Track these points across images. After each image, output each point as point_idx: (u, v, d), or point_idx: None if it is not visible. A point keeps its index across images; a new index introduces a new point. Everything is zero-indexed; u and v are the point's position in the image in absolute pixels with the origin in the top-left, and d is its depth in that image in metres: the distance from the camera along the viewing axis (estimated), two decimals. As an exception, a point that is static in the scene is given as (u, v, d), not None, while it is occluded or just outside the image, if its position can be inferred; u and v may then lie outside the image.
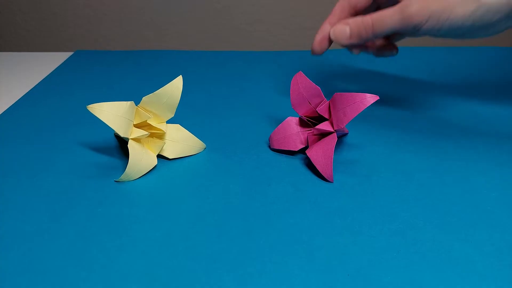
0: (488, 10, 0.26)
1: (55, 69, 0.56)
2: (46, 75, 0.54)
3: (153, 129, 0.34)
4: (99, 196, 0.31)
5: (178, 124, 0.36)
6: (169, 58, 0.59)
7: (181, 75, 0.34)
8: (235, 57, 0.59)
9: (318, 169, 0.32)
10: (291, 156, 0.35)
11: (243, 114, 0.43)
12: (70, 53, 0.62)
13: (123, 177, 0.32)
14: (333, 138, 0.31)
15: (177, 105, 0.34)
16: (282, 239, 0.27)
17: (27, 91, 0.49)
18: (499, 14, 0.26)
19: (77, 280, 0.24)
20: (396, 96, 0.46)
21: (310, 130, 0.34)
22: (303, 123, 0.35)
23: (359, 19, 0.31)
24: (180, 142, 0.35)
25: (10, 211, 0.29)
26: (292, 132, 0.35)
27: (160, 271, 0.24)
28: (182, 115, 0.41)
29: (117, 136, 0.38)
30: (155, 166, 0.34)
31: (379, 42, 0.38)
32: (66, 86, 0.50)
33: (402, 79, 0.51)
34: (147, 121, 0.33)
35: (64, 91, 0.49)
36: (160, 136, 0.35)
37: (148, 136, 0.34)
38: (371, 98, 0.29)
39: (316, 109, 0.33)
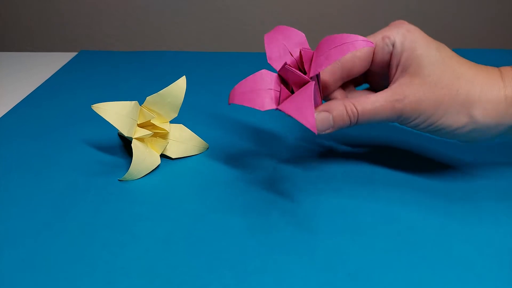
0: (477, 128, 0.26)
1: (60, 69, 0.56)
2: (51, 75, 0.54)
3: (156, 128, 0.34)
4: (103, 194, 0.31)
5: (182, 124, 0.36)
6: (173, 58, 0.60)
7: (184, 76, 0.34)
8: (239, 58, 0.60)
9: (294, 117, 0.25)
10: (291, 156, 0.35)
11: (246, 115, 0.43)
12: (75, 53, 0.63)
13: (126, 176, 0.32)
14: (310, 83, 0.25)
15: (180, 105, 0.34)
16: (283, 238, 0.27)
17: (32, 90, 0.49)
18: (485, 136, 0.27)
19: (81, 275, 0.24)
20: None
21: (282, 88, 0.27)
22: (278, 80, 0.27)
23: (343, 108, 0.27)
24: (183, 142, 0.36)
25: (15, 208, 0.30)
26: (262, 87, 0.27)
27: (162, 267, 0.25)
28: (186, 115, 0.42)
29: (121, 136, 0.39)
30: (158, 165, 0.34)
31: None
32: (71, 86, 0.50)
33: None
34: (151, 121, 0.34)
35: (68, 91, 0.49)
36: (164, 135, 0.35)
37: (152, 136, 0.34)
38: (363, 42, 0.24)
39: (300, 49, 0.27)
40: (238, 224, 0.28)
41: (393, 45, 0.27)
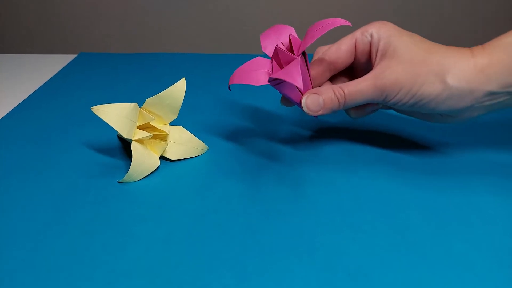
0: (452, 94, 0.28)
1: (60, 71, 0.56)
2: (50, 77, 0.54)
3: (156, 130, 0.34)
4: (103, 196, 0.31)
5: (181, 126, 0.36)
6: (172, 60, 0.60)
7: (184, 78, 0.34)
8: (238, 60, 0.60)
9: (284, 78, 0.27)
10: (291, 158, 0.36)
11: (245, 116, 0.43)
12: (74, 55, 0.63)
13: (126, 178, 0.32)
14: (297, 59, 0.28)
15: (180, 107, 0.34)
16: (283, 238, 0.27)
17: (32, 92, 0.49)
18: (462, 103, 0.28)
19: (81, 277, 0.24)
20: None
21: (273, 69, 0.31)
22: (272, 65, 0.31)
23: (331, 91, 0.30)
24: (183, 143, 0.36)
25: (15, 209, 0.30)
26: (257, 69, 0.31)
27: (162, 268, 0.25)
28: (185, 117, 0.42)
29: (120, 138, 0.39)
30: (158, 167, 0.34)
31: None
32: (70, 88, 0.51)
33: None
34: (150, 123, 0.34)
35: (68, 93, 0.49)
36: (163, 137, 0.35)
37: (151, 138, 0.34)
38: (341, 21, 0.28)
39: (289, 35, 0.30)
40: (237, 225, 0.28)
41: (371, 36, 0.31)
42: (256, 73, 0.30)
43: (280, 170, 0.34)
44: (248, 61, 0.31)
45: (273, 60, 0.31)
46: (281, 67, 0.30)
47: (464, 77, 0.27)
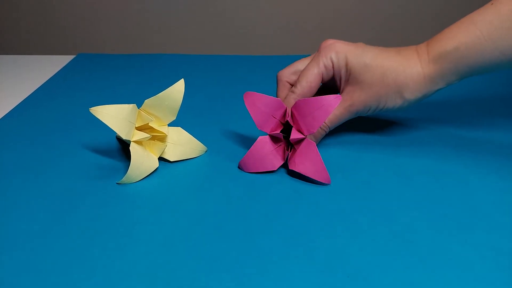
0: (410, 103, 0.34)
1: (58, 72, 0.56)
2: (48, 78, 0.54)
3: (154, 131, 0.34)
4: (101, 197, 0.31)
5: (180, 127, 0.36)
6: (171, 61, 0.60)
7: (183, 79, 0.34)
8: (237, 61, 0.60)
9: (313, 177, 0.32)
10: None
11: (244, 118, 0.43)
12: (73, 56, 0.63)
13: (124, 179, 0.32)
14: (311, 143, 0.32)
15: (178, 108, 0.34)
16: (282, 240, 0.27)
17: (30, 93, 0.49)
18: (418, 102, 0.34)
19: (80, 279, 0.24)
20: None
21: (280, 144, 0.34)
22: (274, 139, 0.34)
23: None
24: (182, 145, 0.36)
25: (13, 211, 0.30)
26: (267, 152, 0.34)
27: (161, 271, 0.25)
28: (184, 118, 0.42)
29: (119, 139, 0.39)
30: (157, 168, 0.34)
31: None
32: (69, 89, 0.50)
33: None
34: (149, 124, 0.34)
35: (66, 94, 0.49)
36: (162, 138, 0.35)
37: (150, 139, 0.34)
38: (336, 100, 0.31)
39: (287, 119, 0.33)
40: (236, 226, 0.28)
41: (332, 65, 0.35)
42: (268, 158, 0.34)
43: (278, 172, 0.34)
44: (253, 146, 0.34)
45: (270, 135, 0.34)
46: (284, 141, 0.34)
47: (418, 89, 0.33)
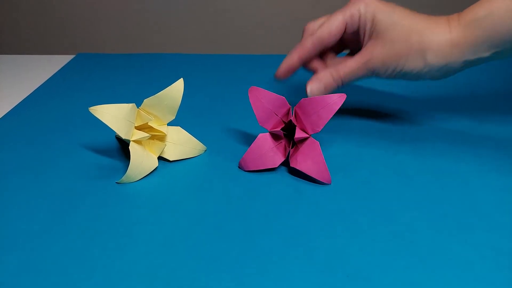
0: (432, 69, 0.33)
1: (57, 71, 0.56)
2: (48, 78, 0.54)
3: (154, 131, 0.34)
4: (101, 197, 0.31)
5: (179, 127, 0.36)
6: (170, 61, 0.60)
7: (182, 78, 0.34)
8: (236, 60, 0.60)
9: (314, 177, 0.32)
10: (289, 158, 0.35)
11: (244, 117, 0.43)
12: (72, 56, 0.63)
13: (124, 178, 0.32)
14: (314, 142, 0.32)
15: (178, 107, 0.34)
16: (282, 240, 0.27)
17: (29, 93, 0.49)
18: (440, 73, 0.33)
19: (79, 280, 0.24)
20: (394, 100, 0.47)
21: (281, 141, 0.34)
22: (275, 136, 0.34)
23: (330, 75, 0.36)
24: (181, 144, 0.36)
25: (13, 211, 0.30)
26: (268, 149, 0.33)
27: (160, 271, 0.25)
28: (183, 118, 0.42)
29: (118, 138, 0.39)
30: (156, 168, 0.34)
31: None
32: (68, 89, 0.50)
33: (400, 83, 0.51)
34: (148, 123, 0.34)
35: (66, 94, 0.49)
36: (161, 138, 0.35)
37: (149, 138, 0.34)
38: (340, 98, 0.31)
39: (290, 118, 0.33)
40: (236, 226, 0.28)
41: (359, 16, 0.34)
42: (269, 155, 0.33)
43: (278, 171, 0.34)
44: (254, 143, 0.33)
45: (271, 132, 0.34)
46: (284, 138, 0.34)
47: (442, 54, 0.31)
